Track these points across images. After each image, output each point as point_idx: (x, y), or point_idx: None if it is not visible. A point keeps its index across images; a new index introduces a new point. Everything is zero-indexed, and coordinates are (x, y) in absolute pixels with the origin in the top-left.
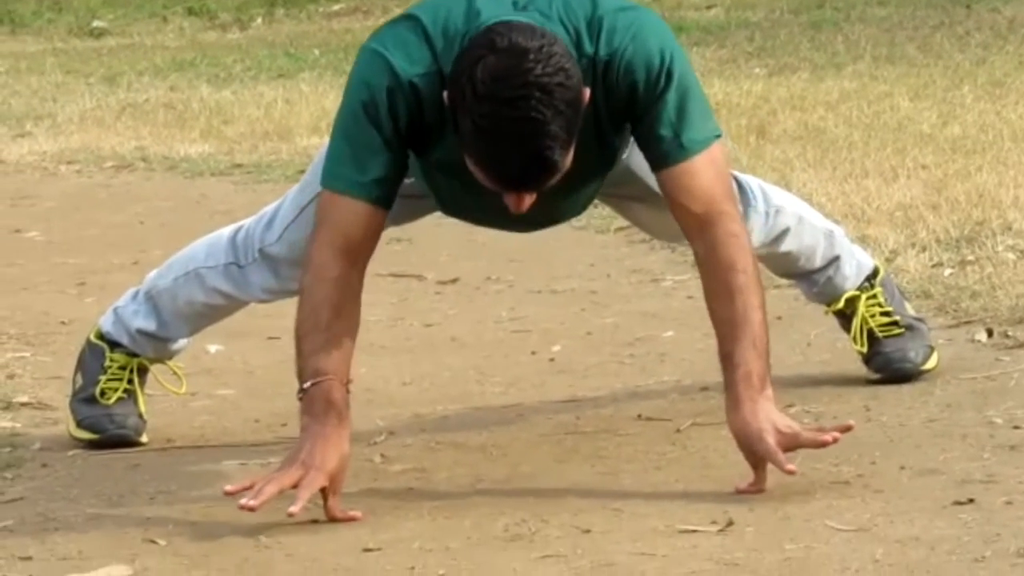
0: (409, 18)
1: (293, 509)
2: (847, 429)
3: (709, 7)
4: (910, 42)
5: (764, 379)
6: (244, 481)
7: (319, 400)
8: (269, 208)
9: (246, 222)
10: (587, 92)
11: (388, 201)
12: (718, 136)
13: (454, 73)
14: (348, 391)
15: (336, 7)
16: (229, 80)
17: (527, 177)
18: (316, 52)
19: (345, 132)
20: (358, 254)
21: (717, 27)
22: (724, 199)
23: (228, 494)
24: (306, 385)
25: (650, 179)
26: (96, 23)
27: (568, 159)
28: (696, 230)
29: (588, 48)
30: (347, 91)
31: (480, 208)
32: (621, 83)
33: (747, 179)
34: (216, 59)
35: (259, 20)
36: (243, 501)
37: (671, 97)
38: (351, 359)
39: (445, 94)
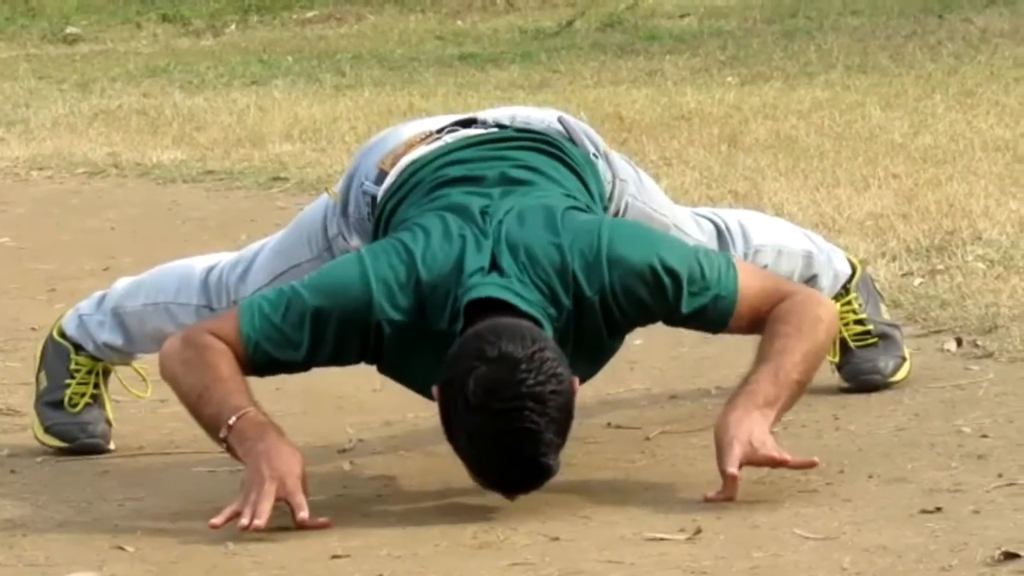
0: (409, 254)
1: (304, 515)
2: (810, 465)
3: (682, 16)
4: (882, 52)
5: (770, 402)
6: (226, 511)
7: (250, 427)
8: (245, 255)
9: (220, 262)
10: (576, 382)
11: (263, 373)
12: (729, 258)
13: (445, 381)
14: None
15: (310, 14)
16: (202, 86)
17: (521, 484)
18: (289, 59)
19: (290, 304)
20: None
21: (690, 36)
22: (778, 287)
23: (215, 527)
24: (231, 421)
25: None
26: (69, 29)
27: (559, 457)
28: (767, 318)
29: (566, 301)
30: (323, 279)
31: None
32: (626, 308)
33: (728, 219)
34: (189, 66)
35: (233, 27)
36: (244, 521)
37: (685, 286)
38: None
39: (435, 390)
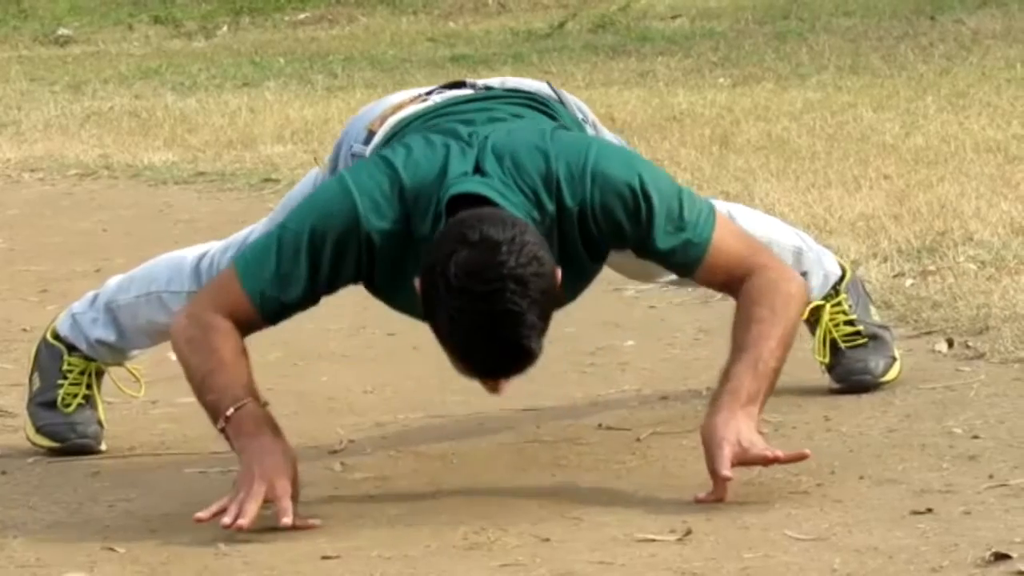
0: (389, 166)
1: (287, 520)
2: (802, 457)
3: (674, 17)
4: (874, 53)
5: (752, 398)
6: (213, 507)
7: (247, 421)
8: (235, 239)
9: (210, 249)
10: (559, 272)
11: (277, 321)
12: (712, 208)
13: (426, 266)
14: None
15: (301, 16)
16: (194, 88)
17: (505, 367)
18: (281, 61)
19: (281, 241)
20: (240, 328)
21: (682, 37)
22: (753, 254)
23: (200, 520)
24: (229, 412)
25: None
26: (61, 31)
27: (543, 342)
28: (738, 287)
29: (549, 206)
30: (306, 205)
31: None
32: (603, 226)
33: (719, 208)
34: (181, 67)
35: (224, 29)
36: (227, 520)
37: (660, 217)
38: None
39: (416, 282)
